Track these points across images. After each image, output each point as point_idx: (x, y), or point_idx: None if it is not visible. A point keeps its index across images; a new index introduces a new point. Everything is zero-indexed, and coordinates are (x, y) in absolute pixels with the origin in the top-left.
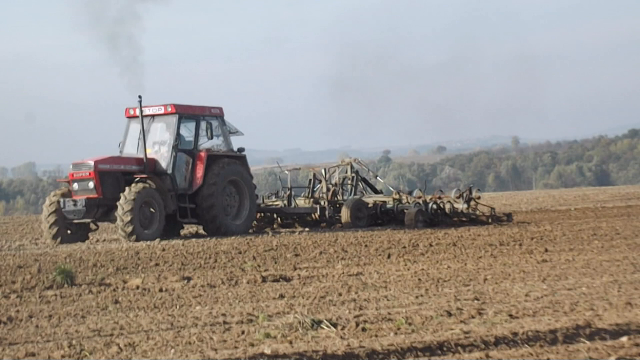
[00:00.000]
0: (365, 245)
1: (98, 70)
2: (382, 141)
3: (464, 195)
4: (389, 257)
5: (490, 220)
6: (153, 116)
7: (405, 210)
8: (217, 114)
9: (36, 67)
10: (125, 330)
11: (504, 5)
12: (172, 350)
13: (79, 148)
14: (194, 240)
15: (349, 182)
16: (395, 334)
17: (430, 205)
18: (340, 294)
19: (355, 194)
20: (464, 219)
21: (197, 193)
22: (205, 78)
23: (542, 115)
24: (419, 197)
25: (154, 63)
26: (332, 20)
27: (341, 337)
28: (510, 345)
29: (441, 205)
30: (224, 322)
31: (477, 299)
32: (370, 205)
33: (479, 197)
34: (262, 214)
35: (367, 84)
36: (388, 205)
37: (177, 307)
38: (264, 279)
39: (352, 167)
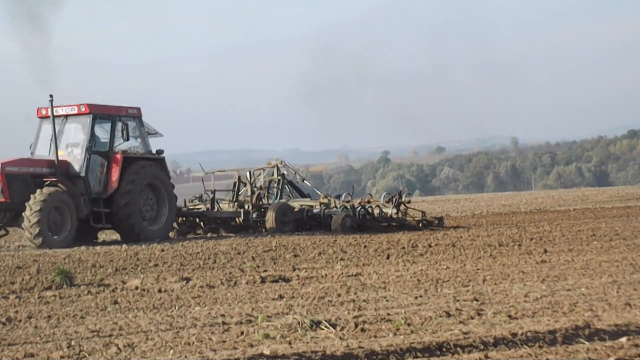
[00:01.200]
0: (365, 246)
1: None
2: (381, 141)
3: (394, 199)
4: (388, 257)
5: (420, 225)
6: (66, 116)
7: (332, 215)
8: (134, 115)
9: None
10: (125, 331)
11: (502, 5)
12: (171, 351)
13: None
14: (192, 241)
15: (275, 185)
16: (395, 334)
17: (358, 210)
18: (339, 295)
19: (281, 197)
20: (393, 224)
21: (112, 197)
22: (202, 78)
23: (538, 115)
24: (347, 202)
25: (152, 64)
26: (318, 27)
27: (340, 338)
28: (510, 346)
29: (370, 210)
30: (223, 323)
31: (476, 300)
32: (296, 210)
33: (408, 202)
34: (184, 218)
35: (351, 88)
36: (315, 210)
37: (176, 307)
38: (263, 280)
39: (278, 170)
